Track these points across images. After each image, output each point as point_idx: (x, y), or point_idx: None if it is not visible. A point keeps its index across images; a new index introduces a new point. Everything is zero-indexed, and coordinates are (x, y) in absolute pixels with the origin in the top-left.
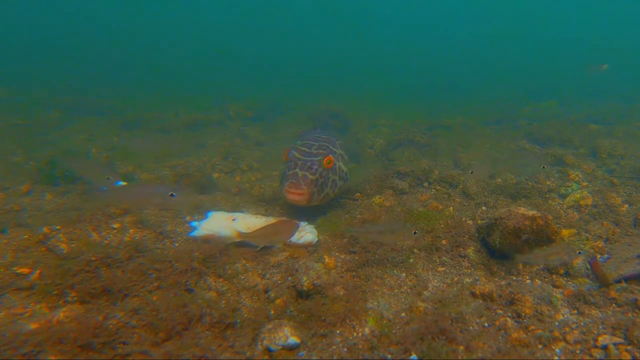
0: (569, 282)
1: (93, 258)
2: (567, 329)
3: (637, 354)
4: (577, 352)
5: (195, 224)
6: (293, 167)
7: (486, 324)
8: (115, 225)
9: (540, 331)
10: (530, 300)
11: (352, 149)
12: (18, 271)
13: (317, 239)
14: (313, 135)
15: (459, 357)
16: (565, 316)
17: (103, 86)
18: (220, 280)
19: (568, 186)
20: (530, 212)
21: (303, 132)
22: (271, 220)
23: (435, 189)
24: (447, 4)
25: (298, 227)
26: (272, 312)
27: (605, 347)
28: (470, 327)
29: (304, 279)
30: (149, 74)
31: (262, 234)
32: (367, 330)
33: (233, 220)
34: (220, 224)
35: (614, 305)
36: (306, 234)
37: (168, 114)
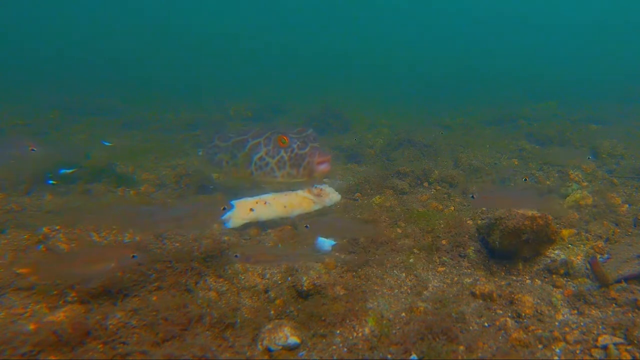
0: (569, 282)
1: None
2: (567, 329)
3: (637, 354)
4: (577, 352)
5: (226, 216)
6: (302, 146)
7: (486, 324)
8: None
9: (540, 331)
10: (530, 300)
11: (351, 149)
12: (18, 271)
13: (340, 196)
14: (261, 128)
15: (459, 357)
16: (565, 316)
17: (103, 86)
18: (220, 280)
19: (568, 186)
20: (530, 212)
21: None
22: (299, 193)
23: (435, 189)
24: (448, 4)
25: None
26: (272, 312)
27: (605, 347)
28: (471, 327)
29: (304, 278)
30: (149, 74)
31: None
32: (367, 330)
33: (265, 204)
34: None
35: (614, 305)
36: (332, 194)
37: (168, 114)
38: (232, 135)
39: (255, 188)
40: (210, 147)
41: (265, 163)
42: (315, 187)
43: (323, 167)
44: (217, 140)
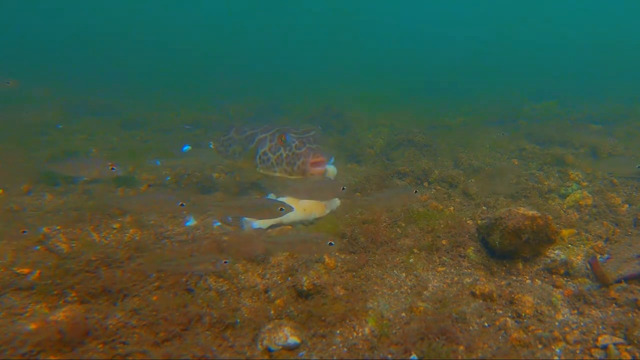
0: (569, 282)
1: (93, 258)
2: (567, 329)
3: (637, 354)
4: (577, 352)
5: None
6: (300, 146)
7: (486, 324)
8: (115, 225)
9: (540, 331)
10: (530, 300)
11: (352, 149)
12: (18, 271)
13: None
14: (271, 124)
15: (459, 357)
16: (565, 316)
17: (103, 86)
18: (220, 280)
19: (568, 186)
20: (530, 212)
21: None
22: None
23: (435, 189)
24: (448, 4)
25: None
26: (272, 312)
27: (605, 347)
28: (471, 327)
29: (304, 279)
30: (149, 74)
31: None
32: (367, 330)
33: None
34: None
35: (614, 305)
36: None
37: (168, 114)
38: (246, 128)
39: (254, 188)
40: (226, 138)
41: (267, 158)
42: None
43: (317, 169)
44: (233, 132)
